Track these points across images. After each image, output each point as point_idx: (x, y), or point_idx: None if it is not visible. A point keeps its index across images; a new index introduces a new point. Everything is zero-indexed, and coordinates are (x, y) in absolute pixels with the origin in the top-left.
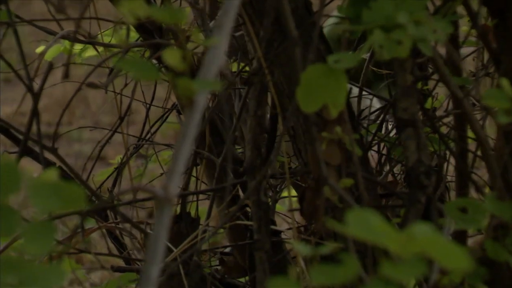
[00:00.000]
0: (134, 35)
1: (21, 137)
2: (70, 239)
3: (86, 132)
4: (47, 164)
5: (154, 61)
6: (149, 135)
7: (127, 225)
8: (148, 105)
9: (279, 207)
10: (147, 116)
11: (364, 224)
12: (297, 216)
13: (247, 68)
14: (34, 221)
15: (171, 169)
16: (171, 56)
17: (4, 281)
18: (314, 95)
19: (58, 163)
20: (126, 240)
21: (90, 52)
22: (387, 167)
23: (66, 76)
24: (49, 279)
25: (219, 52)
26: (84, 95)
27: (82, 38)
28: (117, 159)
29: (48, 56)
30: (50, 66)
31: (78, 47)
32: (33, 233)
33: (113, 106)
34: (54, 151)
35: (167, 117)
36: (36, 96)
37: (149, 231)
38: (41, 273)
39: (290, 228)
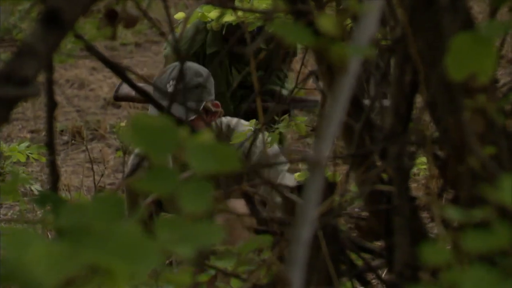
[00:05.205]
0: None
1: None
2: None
3: None
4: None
5: None
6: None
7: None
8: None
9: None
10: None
11: None
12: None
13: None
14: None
15: (322, 132)
16: (326, 22)
17: (162, 238)
18: (463, 63)
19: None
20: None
21: (227, 18)
22: None
23: None
24: (206, 236)
25: (373, 19)
26: None
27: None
28: (251, 123)
29: (188, 22)
30: (197, 31)
31: (207, 13)
32: (191, 192)
33: None
34: (199, 114)
35: (305, 82)
36: (182, 60)
37: (287, 194)
38: (198, 230)
39: (427, 194)
